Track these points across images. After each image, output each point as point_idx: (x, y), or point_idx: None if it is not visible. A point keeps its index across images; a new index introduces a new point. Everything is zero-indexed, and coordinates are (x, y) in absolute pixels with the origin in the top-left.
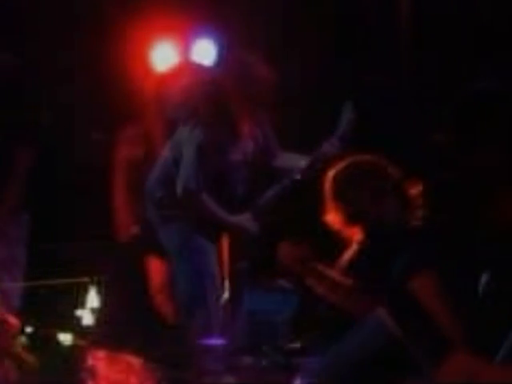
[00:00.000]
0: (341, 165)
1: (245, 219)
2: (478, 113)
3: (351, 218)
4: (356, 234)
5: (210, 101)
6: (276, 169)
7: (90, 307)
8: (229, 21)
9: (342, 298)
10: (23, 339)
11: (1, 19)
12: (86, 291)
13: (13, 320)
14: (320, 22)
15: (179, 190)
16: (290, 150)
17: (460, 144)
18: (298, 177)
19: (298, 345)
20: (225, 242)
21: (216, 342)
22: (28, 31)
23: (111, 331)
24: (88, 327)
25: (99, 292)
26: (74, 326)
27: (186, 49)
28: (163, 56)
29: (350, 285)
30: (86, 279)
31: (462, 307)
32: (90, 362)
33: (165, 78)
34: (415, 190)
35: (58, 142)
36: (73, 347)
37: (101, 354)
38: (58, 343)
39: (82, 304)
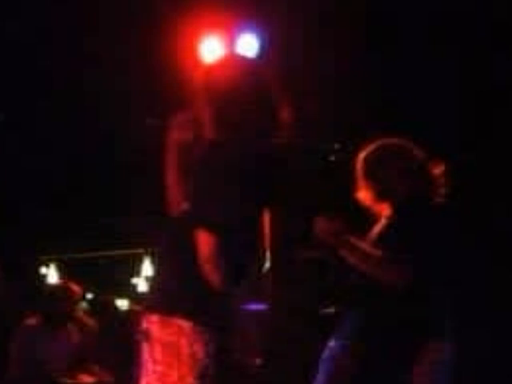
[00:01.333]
0: (371, 147)
1: None
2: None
3: (380, 195)
4: (385, 210)
5: (252, 89)
6: (312, 150)
7: (144, 276)
8: (270, 17)
9: (372, 268)
10: (84, 304)
11: (64, 17)
12: (141, 261)
13: (75, 287)
14: (352, 19)
15: None
16: (325, 134)
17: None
18: (333, 158)
19: (332, 310)
20: (266, 217)
21: (257, 307)
22: (89, 27)
23: (164, 297)
24: (143, 294)
25: (153, 262)
26: (130, 292)
27: (231, 42)
28: (210, 49)
29: (379, 255)
30: (141, 250)
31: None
32: (144, 325)
33: (212, 69)
34: (438, 170)
35: (116, 127)
36: (129, 312)
37: (154, 317)
38: (115, 308)
39: (137, 273)
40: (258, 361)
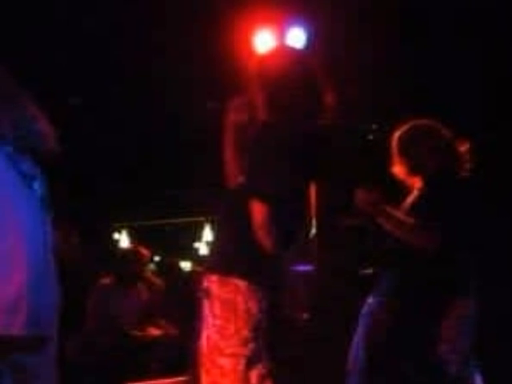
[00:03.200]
0: (404, 127)
1: None
2: None
3: (413, 170)
4: (417, 183)
5: (300, 76)
6: (353, 130)
7: (205, 240)
8: (315, 13)
9: (406, 234)
10: (152, 266)
11: (134, 12)
12: (202, 228)
13: (144, 251)
14: (388, 14)
15: None
16: (364, 116)
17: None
18: (371, 137)
19: (370, 270)
20: (312, 189)
21: (304, 268)
22: (156, 21)
23: (222, 260)
24: (203, 256)
25: (212, 228)
26: (192, 255)
27: (281, 35)
28: (263, 41)
29: (412, 223)
30: (202, 218)
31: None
32: (205, 284)
33: (264, 58)
34: (464, 148)
35: (180, 110)
36: (191, 272)
37: (214, 277)
38: (179, 269)
39: (198, 238)
40: (305, 315)
